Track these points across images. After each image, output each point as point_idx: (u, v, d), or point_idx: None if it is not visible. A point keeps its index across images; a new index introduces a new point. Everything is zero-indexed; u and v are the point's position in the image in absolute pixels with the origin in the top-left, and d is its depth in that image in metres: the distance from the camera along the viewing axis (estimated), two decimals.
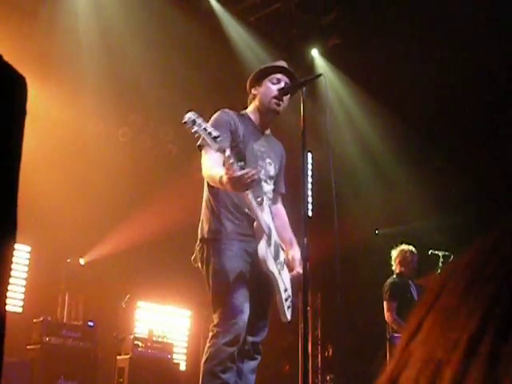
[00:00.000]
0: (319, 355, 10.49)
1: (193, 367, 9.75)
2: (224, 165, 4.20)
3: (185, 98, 9.83)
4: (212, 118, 4.69)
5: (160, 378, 8.14)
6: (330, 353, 10.69)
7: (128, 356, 8.08)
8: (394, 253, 8.33)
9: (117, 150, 10.05)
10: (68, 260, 9.26)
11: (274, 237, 4.60)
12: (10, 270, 0.91)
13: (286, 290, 4.55)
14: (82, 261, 9.55)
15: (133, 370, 7.91)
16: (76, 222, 9.24)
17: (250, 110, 4.91)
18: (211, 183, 4.51)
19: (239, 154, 4.46)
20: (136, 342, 8.31)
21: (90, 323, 8.47)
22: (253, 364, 4.61)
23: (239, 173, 4.08)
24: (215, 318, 4.40)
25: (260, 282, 4.54)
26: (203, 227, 4.62)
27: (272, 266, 4.46)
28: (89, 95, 9.50)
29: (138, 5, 9.01)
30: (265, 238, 4.45)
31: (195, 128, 4.07)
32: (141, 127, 10.54)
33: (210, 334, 4.41)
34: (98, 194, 9.56)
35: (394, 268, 8.30)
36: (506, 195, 9.48)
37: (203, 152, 4.51)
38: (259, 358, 4.66)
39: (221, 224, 4.53)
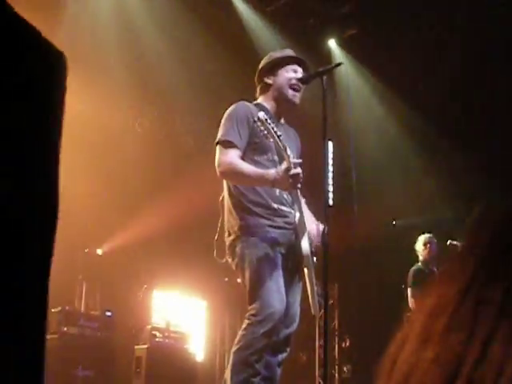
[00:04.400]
0: (336, 346, 10.50)
1: (209, 358, 9.77)
2: (281, 162, 4.33)
3: (202, 89, 9.84)
4: (230, 112, 4.65)
5: (177, 367, 8.16)
6: (348, 344, 10.69)
7: (146, 346, 8.09)
8: (420, 241, 8.51)
9: (134, 141, 10.06)
10: (85, 250, 9.29)
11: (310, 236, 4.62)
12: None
13: (316, 285, 4.54)
14: (99, 251, 9.59)
15: (150, 360, 7.92)
16: (93, 213, 9.25)
17: (264, 99, 4.86)
18: (239, 180, 4.54)
19: (264, 147, 4.47)
20: (153, 332, 8.32)
21: (108, 313, 8.50)
22: (282, 357, 4.59)
23: (296, 170, 4.19)
24: (253, 309, 4.37)
25: (292, 273, 4.56)
26: (231, 223, 4.58)
27: (312, 262, 4.49)
28: (106, 85, 9.51)
29: None
30: (306, 233, 4.49)
31: (265, 126, 4.20)
32: (157, 118, 10.55)
33: (247, 322, 4.38)
34: (115, 184, 9.58)
35: (418, 256, 8.50)
36: None
37: (224, 149, 4.51)
38: (288, 350, 4.64)
39: (251, 218, 4.51)
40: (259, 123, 4.20)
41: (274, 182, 4.29)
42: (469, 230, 0.60)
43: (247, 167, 4.40)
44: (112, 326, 8.44)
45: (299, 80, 4.73)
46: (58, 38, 8.77)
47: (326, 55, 10.09)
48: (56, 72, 0.88)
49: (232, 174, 4.49)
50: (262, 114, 4.20)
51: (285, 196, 4.56)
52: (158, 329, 8.52)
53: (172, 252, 10.16)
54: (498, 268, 0.51)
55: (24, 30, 0.82)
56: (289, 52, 4.95)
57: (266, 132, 4.21)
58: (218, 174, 4.51)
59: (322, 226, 4.51)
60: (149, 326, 8.50)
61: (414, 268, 8.41)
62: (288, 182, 4.21)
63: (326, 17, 9.81)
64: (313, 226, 4.68)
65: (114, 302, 8.98)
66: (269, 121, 4.19)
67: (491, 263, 0.52)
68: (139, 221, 9.92)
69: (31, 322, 0.82)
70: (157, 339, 8.29)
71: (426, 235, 8.54)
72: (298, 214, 4.53)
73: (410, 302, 8.23)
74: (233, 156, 4.45)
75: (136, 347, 8.17)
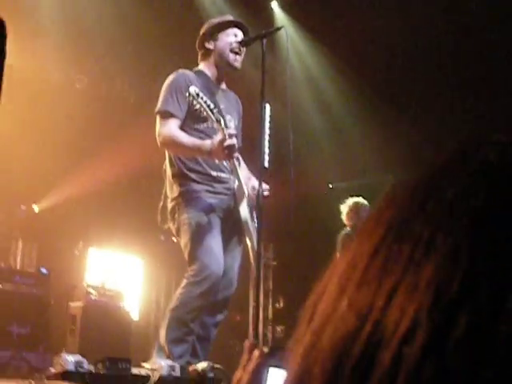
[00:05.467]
0: (270, 306, 10.62)
1: (145, 316, 9.81)
2: (217, 133, 4.44)
3: (143, 48, 9.76)
4: (169, 81, 4.71)
5: (112, 326, 8.16)
6: (281, 304, 10.83)
7: (80, 304, 8.08)
8: (346, 205, 8.33)
9: (72, 97, 9.95)
10: (22, 207, 9.20)
11: (250, 198, 4.69)
12: None
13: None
14: (35, 208, 9.50)
15: (85, 318, 7.91)
16: (30, 169, 9.15)
17: (205, 65, 4.91)
18: (178, 151, 4.60)
19: (202, 115, 4.50)
20: (88, 290, 8.31)
21: (43, 270, 8.47)
22: (218, 318, 4.70)
23: (231, 141, 4.24)
24: (192, 270, 4.46)
25: (231, 237, 4.65)
26: (173, 189, 4.67)
27: (252, 227, 4.56)
28: (46, 40, 9.36)
29: None
30: (245, 199, 4.57)
31: (197, 101, 4.29)
32: (97, 75, 10.44)
33: (185, 281, 4.47)
34: (53, 140, 9.47)
35: (345, 221, 8.33)
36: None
37: (163, 120, 4.56)
38: (226, 312, 4.74)
39: (191, 185, 4.61)
40: (191, 98, 4.26)
41: (210, 153, 4.38)
42: (385, 192, 0.66)
43: (185, 138, 4.48)
44: (47, 283, 8.40)
45: (239, 43, 4.78)
46: None
47: (269, 18, 10.07)
48: None
49: (171, 145, 4.57)
50: (192, 89, 4.26)
51: (224, 163, 4.64)
52: (93, 286, 8.51)
53: (109, 209, 10.13)
54: (406, 230, 0.57)
55: None
56: (228, 17, 5.01)
57: (198, 106, 4.27)
58: (158, 144, 4.58)
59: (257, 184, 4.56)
60: (84, 284, 8.50)
61: (342, 233, 8.23)
62: (223, 153, 4.30)
63: None
64: (252, 182, 4.77)
65: (51, 259, 8.94)
66: (200, 94, 4.25)
67: (400, 225, 0.58)
68: (77, 177, 9.85)
69: None
70: (92, 297, 8.29)
71: (354, 199, 8.31)
72: (236, 181, 4.61)
73: None
74: (171, 127, 4.52)
75: (71, 305, 8.16)
